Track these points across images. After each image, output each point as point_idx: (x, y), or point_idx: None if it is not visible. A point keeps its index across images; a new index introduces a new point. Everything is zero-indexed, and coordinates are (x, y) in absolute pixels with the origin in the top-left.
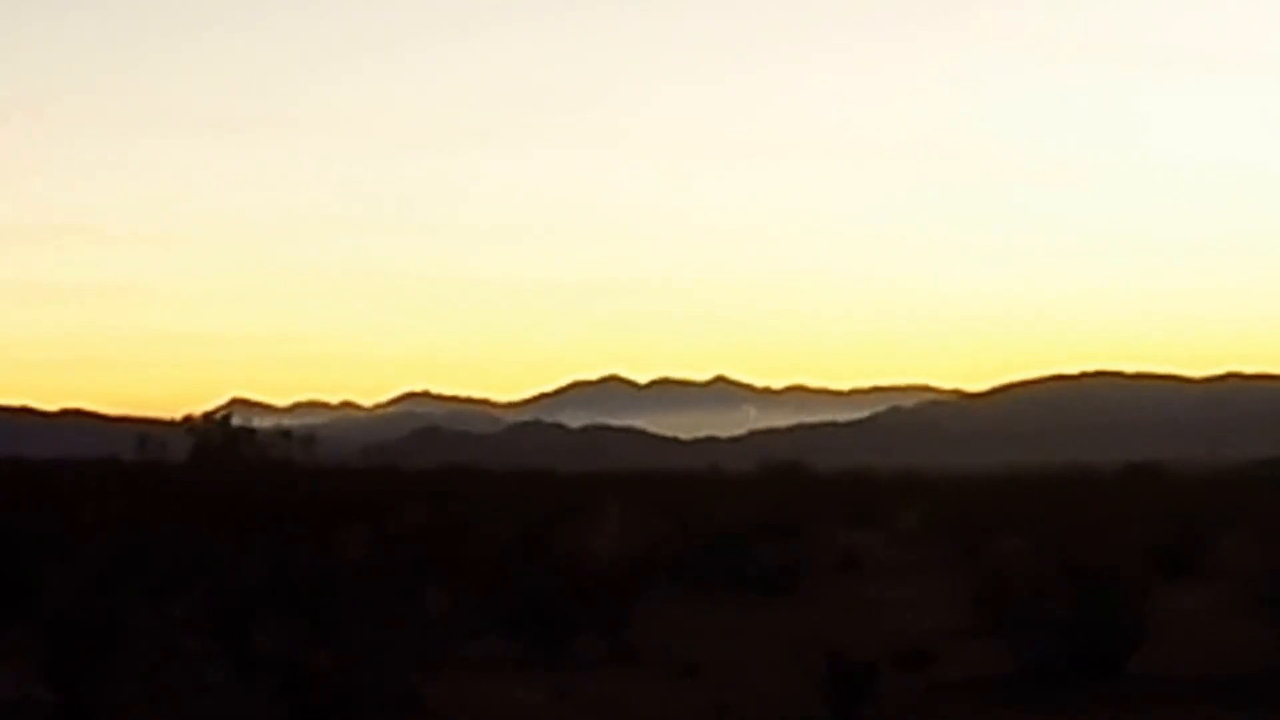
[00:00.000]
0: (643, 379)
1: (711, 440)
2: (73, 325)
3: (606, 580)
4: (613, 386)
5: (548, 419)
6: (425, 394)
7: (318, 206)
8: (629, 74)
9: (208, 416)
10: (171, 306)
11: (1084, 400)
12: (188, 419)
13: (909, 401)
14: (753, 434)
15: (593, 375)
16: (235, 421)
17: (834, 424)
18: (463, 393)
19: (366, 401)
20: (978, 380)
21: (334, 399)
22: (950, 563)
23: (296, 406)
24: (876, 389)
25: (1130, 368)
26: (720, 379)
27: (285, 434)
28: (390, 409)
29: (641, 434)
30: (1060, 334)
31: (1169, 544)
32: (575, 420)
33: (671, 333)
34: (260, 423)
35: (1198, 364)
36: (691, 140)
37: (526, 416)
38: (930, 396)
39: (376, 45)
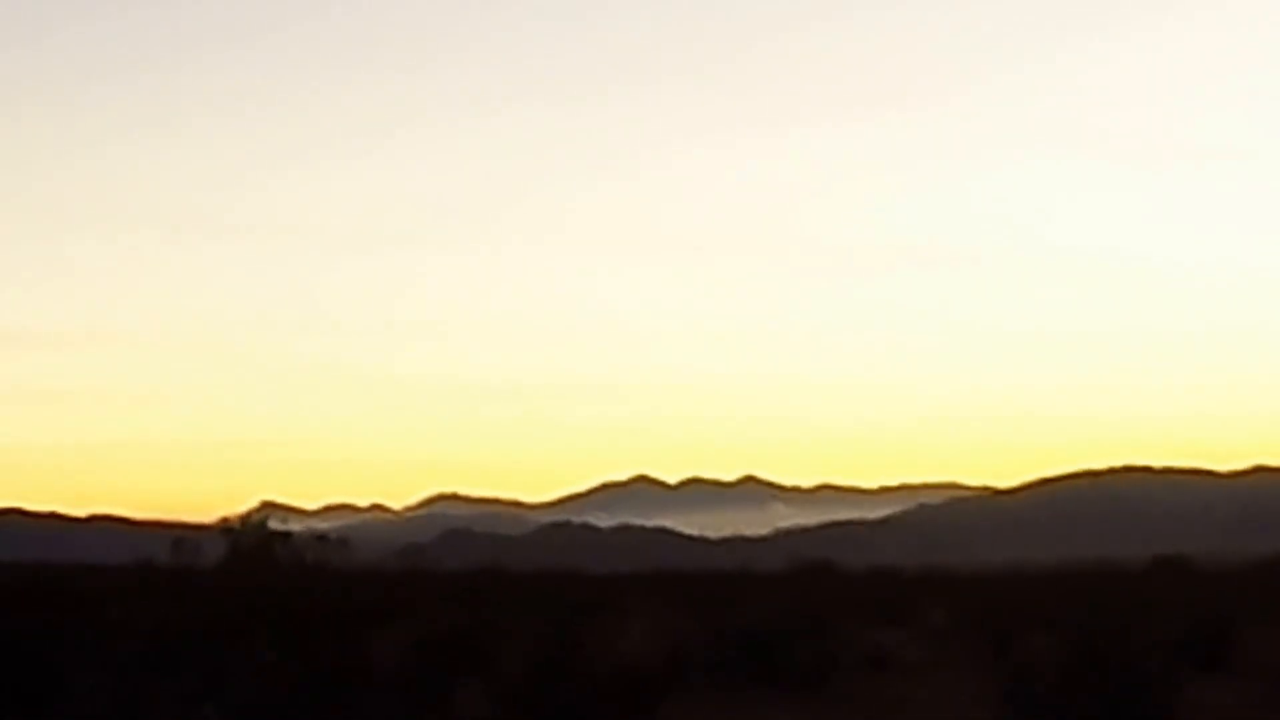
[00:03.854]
0: (672, 479)
1: (741, 539)
2: (99, 431)
3: (635, 679)
4: (642, 487)
5: (577, 519)
6: (455, 496)
7: (344, 311)
8: (649, 170)
9: (243, 519)
10: (198, 412)
11: (1111, 496)
12: (223, 521)
13: (936, 499)
14: (781, 532)
15: (622, 476)
16: (271, 524)
17: (862, 522)
18: (492, 494)
19: (396, 504)
20: (1005, 477)
21: (363, 501)
22: (978, 660)
23: (326, 509)
24: (904, 487)
25: (1157, 462)
26: (749, 478)
27: (320, 537)
28: (420, 511)
29: (671, 534)
30: (1087, 430)
31: (1197, 638)
32: (605, 520)
33: (700, 433)
34: (290, 525)
35: (1224, 458)
36: (720, 241)
37: (556, 517)
38: (958, 494)
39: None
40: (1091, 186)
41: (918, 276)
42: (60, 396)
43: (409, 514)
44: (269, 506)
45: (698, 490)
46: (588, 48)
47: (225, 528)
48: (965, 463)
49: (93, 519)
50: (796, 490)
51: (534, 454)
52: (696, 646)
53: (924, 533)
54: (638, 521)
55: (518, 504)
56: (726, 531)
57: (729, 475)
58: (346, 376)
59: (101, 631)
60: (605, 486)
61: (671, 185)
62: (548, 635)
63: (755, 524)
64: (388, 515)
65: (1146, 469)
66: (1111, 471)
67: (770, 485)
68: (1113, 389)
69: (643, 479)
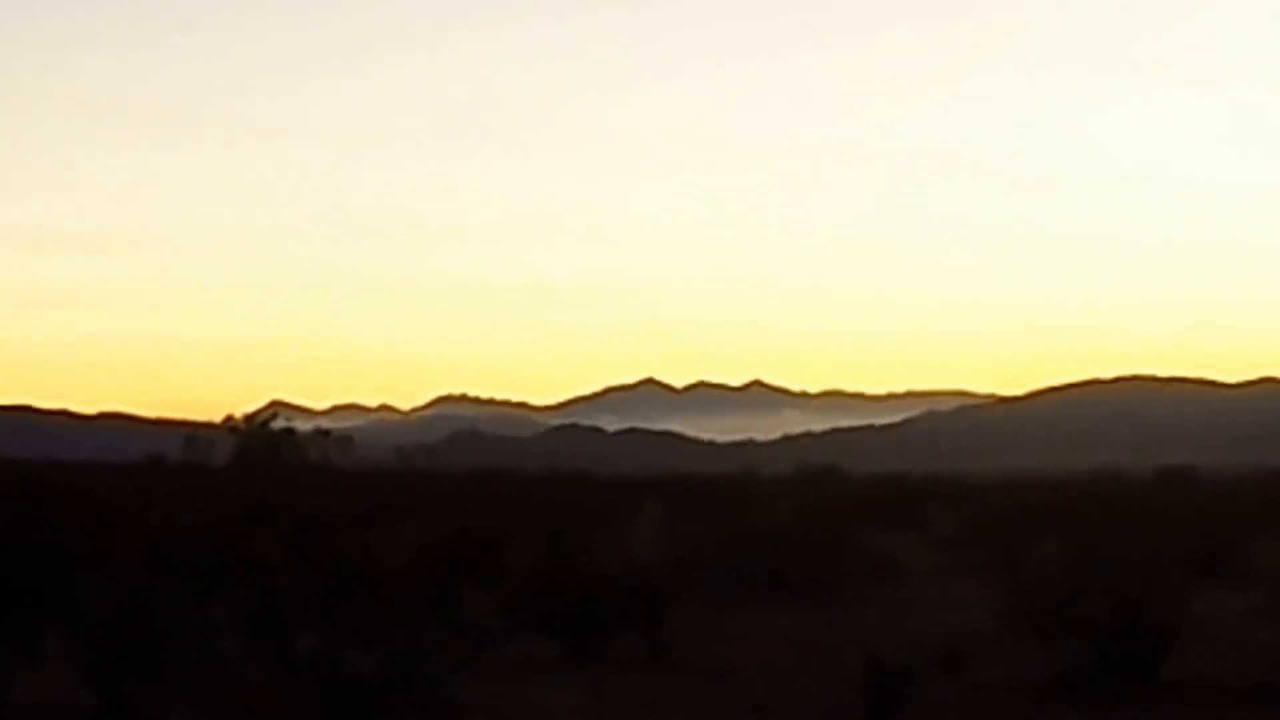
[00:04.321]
0: (679, 383)
1: (748, 444)
2: (110, 329)
3: (643, 582)
4: (649, 390)
5: (585, 422)
6: (463, 397)
7: (355, 212)
8: (661, 77)
9: (248, 418)
10: (210, 311)
11: (1118, 405)
12: (228, 420)
13: (945, 406)
14: (789, 438)
15: (630, 379)
16: (276, 424)
17: (870, 428)
18: (500, 396)
19: (404, 404)
20: (1013, 385)
21: (372, 402)
22: (986, 566)
23: (335, 409)
24: (912, 394)
25: (1164, 372)
26: (756, 383)
27: (324, 434)
28: (428, 412)
29: (678, 437)
30: (1095, 339)
31: (1202, 548)
32: (612, 424)
33: (708, 337)
34: (299, 425)
35: (1232, 369)
36: (728, 147)
37: (564, 420)
38: (966, 401)
39: (395, 42)
40: (1106, 96)
41: (926, 185)
42: (72, 295)
43: (417, 415)
44: (278, 406)
45: (705, 394)
46: None
47: (230, 426)
48: (973, 370)
49: (102, 416)
50: (804, 395)
51: (542, 356)
52: (704, 550)
53: (931, 439)
54: (645, 425)
55: (525, 406)
56: (734, 436)
57: (737, 380)
58: (357, 278)
59: (110, 529)
60: (613, 389)
61: (686, 93)
62: (555, 538)
63: (763, 429)
64: (396, 416)
65: (1154, 379)
66: (1119, 381)
67: (778, 390)
68: (1121, 299)
69: (650, 382)
